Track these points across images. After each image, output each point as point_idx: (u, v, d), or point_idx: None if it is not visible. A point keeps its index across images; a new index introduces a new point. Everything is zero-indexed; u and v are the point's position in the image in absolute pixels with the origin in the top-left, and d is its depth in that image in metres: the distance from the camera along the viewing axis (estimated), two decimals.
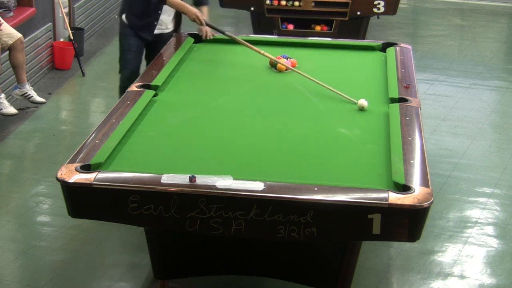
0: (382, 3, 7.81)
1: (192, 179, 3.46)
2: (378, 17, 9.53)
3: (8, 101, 6.74)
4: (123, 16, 5.71)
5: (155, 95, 4.59)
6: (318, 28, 8.09)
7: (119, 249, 4.80)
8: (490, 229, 5.15)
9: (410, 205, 3.35)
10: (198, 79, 5.02)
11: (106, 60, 8.40)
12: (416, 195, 3.40)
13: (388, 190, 3.44)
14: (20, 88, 6.83)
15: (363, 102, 4.48)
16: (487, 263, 4.75)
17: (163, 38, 5.69)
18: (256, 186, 3.44)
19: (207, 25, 5.61)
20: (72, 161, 3.67)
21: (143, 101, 4.43)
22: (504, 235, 5.09)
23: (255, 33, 8.27)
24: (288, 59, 5.12)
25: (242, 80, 4.98)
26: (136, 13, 5.64)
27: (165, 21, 5.73)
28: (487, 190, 5.66)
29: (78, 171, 3.55)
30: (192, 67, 5.17)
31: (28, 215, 5.19)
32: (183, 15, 5.76)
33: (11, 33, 6.64)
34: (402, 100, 4.53)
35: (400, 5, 8.12)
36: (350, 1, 7.84)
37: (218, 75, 5.10)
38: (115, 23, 9.66)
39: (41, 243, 4.86)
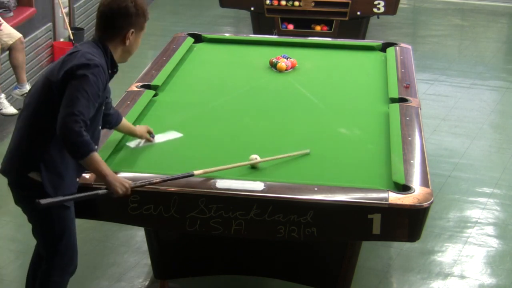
0: (382, 3, 7.80)
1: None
2: (378, 17, 9.52)
3: (8, 101, 6.74)
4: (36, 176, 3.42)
5: (155, 95, 4.59)
6: (318, 28, 8.09)
7: (119, 249, 4.80)
8: (490, 229, 5.15)
9: (410, 205, 3.35)
10: (198, 79, 5.01)
11: None
12: (416, 195, 3.40)
13: (388, 190, 3.44)
14: (20, 88, 6.83)
15: (254, 157, 3.73)
16: (487, 263, 4.75)
17: None
18: (256, 186, 3.44)
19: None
20: None
21: (143, 101, 4.43)
22: (504, 235, 5.08)
23: (255, 33, 8.26)
24: (288, 59, 5.11)
25: (242, 80, 4.98)
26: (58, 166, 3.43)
27: None
28: (487, 190, 5.66)
29: None
30: (192, 67, 5.16)
31: None
32: None
33: (11, 33, 6.64)
34: (402, 100, 4.53)
35: (400, 5, 8.12)
36: (350, 1, 7.84)
37: (218, 75, 5.09)
38: None
39: None
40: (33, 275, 3.67)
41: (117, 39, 3.44)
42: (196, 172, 3.49)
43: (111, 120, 3.74)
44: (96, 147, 3.34)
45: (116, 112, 3.81)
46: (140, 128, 3.97)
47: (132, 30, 3.43)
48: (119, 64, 3.55)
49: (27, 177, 3.38)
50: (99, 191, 3.34)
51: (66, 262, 3.56)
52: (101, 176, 3.30)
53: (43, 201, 3.22)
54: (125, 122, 3.90)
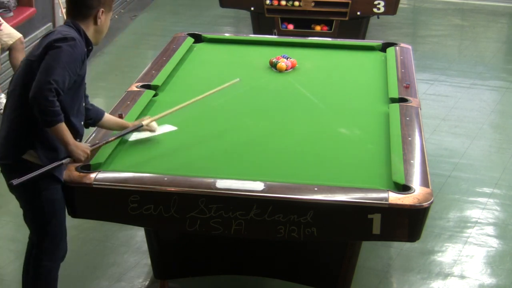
0: (382, 3, 7.80)
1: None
2: (378, 17, 9.53)
3: None
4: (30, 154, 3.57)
5: (155, 95, 4.59)
6: (318, 28, 8.09)
7: (119, 249, 4.80)
8: (490, 229, 5.15)
9: (410, 205, 3.35)
10: (198, 79, 5.01)
11: (106, 60, 8.39)
12: (416, 195, 3.40)
13: (388, 190, 3.44)
14: None
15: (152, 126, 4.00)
16: (487, 263, 4.75)
17: None
18: (256, 186, 3.44)
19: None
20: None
21: (143, 101, 4.43)
22: (504, 235, 5.08)
23: (255, 33, 8.26)
24: (288, 59, 5.11)
25: (242, 80, 4.97)
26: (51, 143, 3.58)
27: None
28: (487, 190, 5.66)
29: (78, 171, 3.55)
30: (192, 67, 5.16)
31: None
32: None
33: (11, 33, 6.64)
34: (402, 100, 4.53)
35: (400, 5, 8.11)
36: (350, 1, 7.84)
37: (218, 75, 5.08)
38: (115, 22, 9.66)
39: None
40: (27, 264, 3.72)
41: (89, 19, 3.61)
42: (144, 122, 3.91)
43: (90, 115, 3.85)
44: (62, 116, 3.41)
45: (95, 106, 3.94)
46: (134, 122, 4.03)
47: (102, 9, 3.61)
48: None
49: (21, 159, 3.53)
50: (64, 161, 3.51)
51: (56, 245, 3.69)
52: (64, 145, 3.49)
53: (16, 181, 3.40)
54: (112, 117, 4.01)
